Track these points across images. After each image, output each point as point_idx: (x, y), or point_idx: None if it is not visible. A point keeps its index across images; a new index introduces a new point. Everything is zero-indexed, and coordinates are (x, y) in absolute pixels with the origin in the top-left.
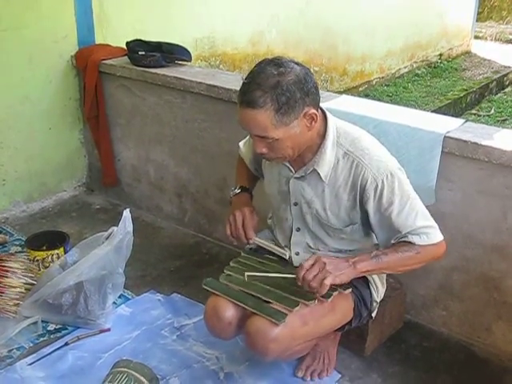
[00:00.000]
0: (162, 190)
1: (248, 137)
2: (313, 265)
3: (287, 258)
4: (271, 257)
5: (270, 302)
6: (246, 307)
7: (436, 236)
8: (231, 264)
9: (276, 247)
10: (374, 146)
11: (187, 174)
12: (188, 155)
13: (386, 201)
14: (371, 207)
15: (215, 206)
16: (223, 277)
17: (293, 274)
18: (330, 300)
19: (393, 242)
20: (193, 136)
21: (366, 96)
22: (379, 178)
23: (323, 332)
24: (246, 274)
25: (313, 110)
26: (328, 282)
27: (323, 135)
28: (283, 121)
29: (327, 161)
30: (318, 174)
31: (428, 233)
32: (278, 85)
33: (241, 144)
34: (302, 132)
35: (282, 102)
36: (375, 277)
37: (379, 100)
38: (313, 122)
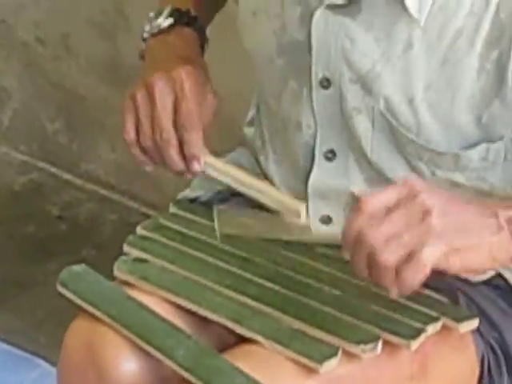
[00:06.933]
0: None
1: None
2: (399, 204)
3: (301, 218)
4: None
5: (244, 340)
6: (171, 363)
7: None
8: (140, 232)
9: (265, 185)
10: None
11: None
12: None
13: None
14: None
15: (93, 80)
16: (122, 265)
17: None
18: (414, 346)
19: None
20: None
21: None
22: None
23: None
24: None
25: None
26: (428, 258)
27: None
28: None
29: None
30: None
31: None
32: None
33: None
34: None
35: None
36: None
37: None
38: None
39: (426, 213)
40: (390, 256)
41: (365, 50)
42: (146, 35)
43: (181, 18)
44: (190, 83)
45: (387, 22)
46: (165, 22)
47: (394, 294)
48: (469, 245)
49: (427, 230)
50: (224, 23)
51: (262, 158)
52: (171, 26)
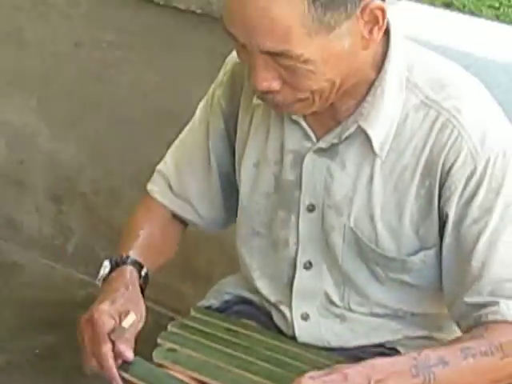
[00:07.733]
0: (21, 185)
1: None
2: None
3: None
4: (253, 323)
5: None
6: None
7: None
8: (171, 329)
9: None
10: (480, 98)
11: (75, 155)
12: (78, 116)
13: (481, 205)
14: (452, 212)
15: None
16: (158, 354)
17: None
18: None
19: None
20: (89, 76)
21: (449, 6)
22: (482, 157)
23: None
24: None
25: (378, 3)
26: None
27: (380, 64)
28: (324, 21)
29: (387, 114)
30: (368, 138)
31: None
32: None
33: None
34: (354, 49)
35: None
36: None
37: (474, 14)
38: (375, 30)
39: None
40: None
41: (341, 182)
42: (99, 278)
43: (123, 262)
44: (101, 320)
45: (356, 161)
46: (104, 271)
47: None
48: None
49: None
50: None
51: (254, 275)
52: (114, 272)
